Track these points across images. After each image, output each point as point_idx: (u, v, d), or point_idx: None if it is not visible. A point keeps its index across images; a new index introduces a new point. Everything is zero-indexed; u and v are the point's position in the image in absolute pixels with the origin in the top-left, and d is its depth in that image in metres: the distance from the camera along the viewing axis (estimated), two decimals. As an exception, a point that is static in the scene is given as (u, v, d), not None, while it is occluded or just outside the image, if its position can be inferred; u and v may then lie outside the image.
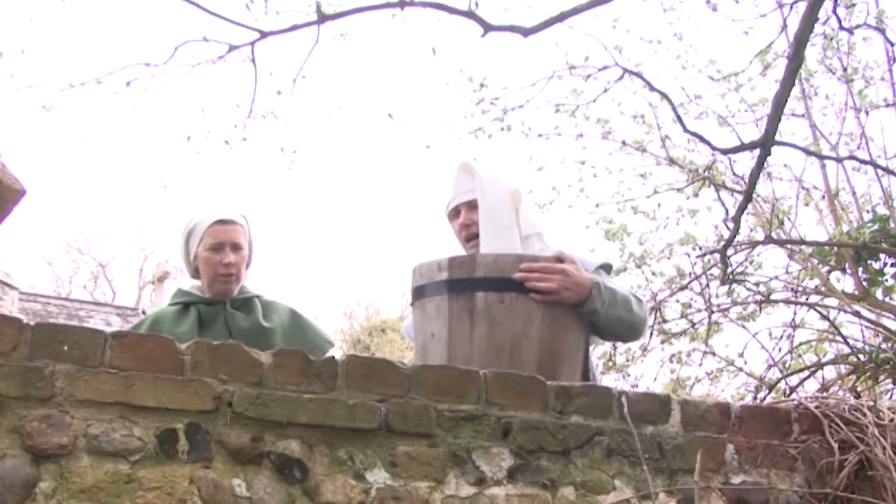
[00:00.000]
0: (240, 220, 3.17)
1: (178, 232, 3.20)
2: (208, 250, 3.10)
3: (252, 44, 6.47)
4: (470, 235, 2.92)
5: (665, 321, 7.68)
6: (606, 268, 2.87)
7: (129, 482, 1.91)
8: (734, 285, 7.34)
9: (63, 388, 1.93)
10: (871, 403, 2.61)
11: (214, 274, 3.11)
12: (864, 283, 8.04)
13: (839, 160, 8.22)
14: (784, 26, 6.75)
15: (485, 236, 2.84)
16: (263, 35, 6.44)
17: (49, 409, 1.91)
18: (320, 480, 2.06)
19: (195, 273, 3.19)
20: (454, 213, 2.98)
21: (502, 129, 8.48)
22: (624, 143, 9.10)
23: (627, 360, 7.92)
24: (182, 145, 7.25)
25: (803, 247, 8.21)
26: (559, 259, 2.60)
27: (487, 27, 6.10)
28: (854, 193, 8.87)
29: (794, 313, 6.90)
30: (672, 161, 8.77)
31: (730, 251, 6.77)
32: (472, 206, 2.90)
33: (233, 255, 3.10)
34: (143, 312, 18.36)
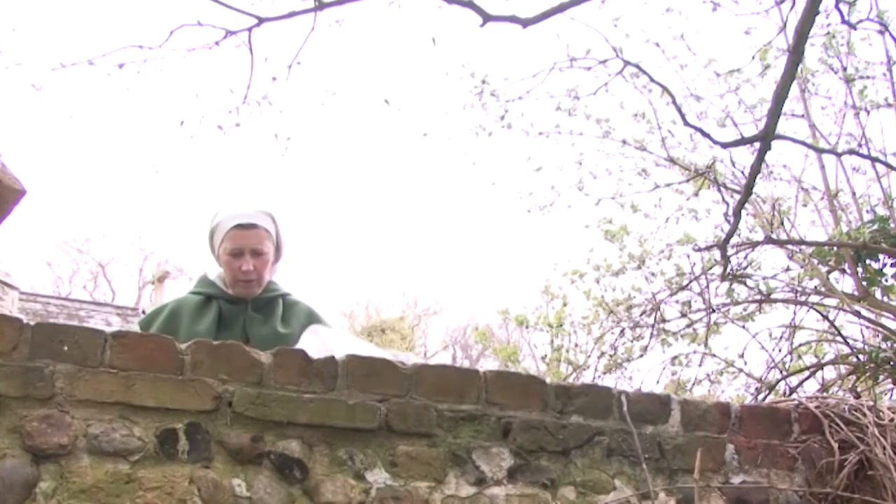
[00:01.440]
0: (262, 222, 3.09)
1: (205, 224, 3.17)
2: (228, 255, 3.08)
3: (248, 30, 6.43)
4: None
5: (665, 321, 7.67)
6: None
7: (129, 482, 1.91)
8: (734, 284, 7.33)
9: (63, 388, 1.93)
10: (871, 403, 2.61)
11: (234, 279, 3.10)
12: (864, 283, 8.04)
13: (839, 154, 8.21)
14: (784, 25, 6.74)
15: None
16: (260, 21, 6.40)
17: (49, 409, 1.91)
18: (320, 480, 2.06)
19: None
20: None
21: (503, 126, 8.46)
22: (624, 142, 9.10)
23: (627, 359, 7.92)
24: (176, 130, 7.18)
25: (803, 247, 8.20)
26: None
27: (486, 17, 6.07)
28: (854, 194, 8.87)
29: (794, 313, 6.89)
30: (672, 161, 8.76)
31: (730, 252, 6.76)
32: None
33: (252, 262, 3.06)
34: (143, 312, 18.35)
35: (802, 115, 8.93)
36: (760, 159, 6.07)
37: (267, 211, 3.14)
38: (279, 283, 3.20)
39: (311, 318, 3.18)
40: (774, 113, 5.72)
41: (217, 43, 6.45)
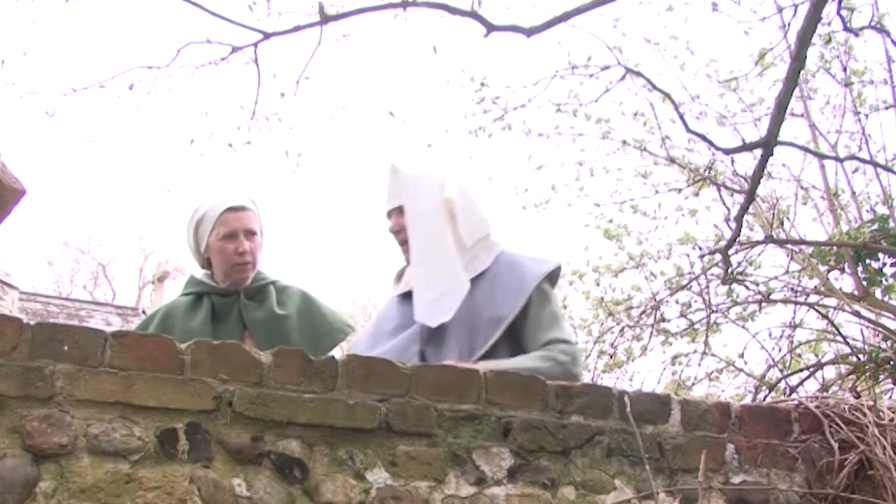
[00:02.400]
0: (250, 205, 3.10)
1: (185, 222, 3.11)
2: (221, 239, 3.03)
3: (255, 45, 6.46)
4: (401, 240, 2.88)
5: (665, 321, 7.68)
6: (554, 275, 2.83)
7: (129, 482, 1.91)
8: (734, 285, 7.34)
9: (63, 388, 1.93)
10: (871, 403, 2.61)
11: (230, 264, 3.05)
12: (864, 283, 8.05)
13: (840, 160, 8.20)
14: (786, 28, 6.74)
15: (415, 249, 2.82)
16: (266, 36, 6.44)
17: (49, 409, 1.91)
18: (320, 480, 2.06)
19: (206, 264, 3.13)
20: (388, 217, 2.94)
21: (503, 128, 8.48)
22: (624, 142, 9.09)
23: (627, 359, 7.92)
24: (185, 148, 7.25)
25: (803, 247, 8.21)
26: None
27: (490, 27, 6.09)
28: (854, 194, 8.86)
29: (794, 313, 6.91)
30: (672, 160, 8.76)
31: (731, 251, 6.77)
32: (402, 210, 2.86)
33: (247, 243, 3.04)
34: (144, 312, 18.35)
35: (802, 115, 8.93)
36: (763, 165, 6.07)
37: (250, 198, 3.14)
38: (266, 272, 3.19)
39: (306, 300, 3.18)
40: (777, 118, 5.71)
41: (224, 59, 6.49)
